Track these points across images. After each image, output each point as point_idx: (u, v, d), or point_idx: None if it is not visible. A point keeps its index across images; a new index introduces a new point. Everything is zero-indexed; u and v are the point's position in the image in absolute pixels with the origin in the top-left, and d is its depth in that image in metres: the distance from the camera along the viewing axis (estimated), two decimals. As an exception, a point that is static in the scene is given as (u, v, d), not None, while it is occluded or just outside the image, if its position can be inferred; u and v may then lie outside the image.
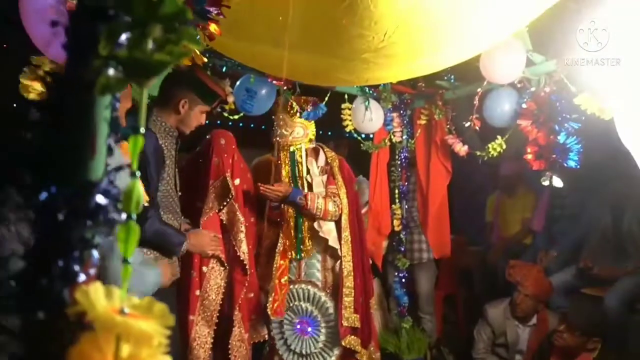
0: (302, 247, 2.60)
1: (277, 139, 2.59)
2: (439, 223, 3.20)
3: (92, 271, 0.41)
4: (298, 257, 2.60)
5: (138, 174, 0.40)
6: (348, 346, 2.57)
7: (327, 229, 2.62)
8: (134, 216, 0.39)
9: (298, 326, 2.64)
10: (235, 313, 2.41)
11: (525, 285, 2.98)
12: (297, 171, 2.60)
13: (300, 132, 2.60)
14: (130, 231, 0.39)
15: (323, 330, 2.62)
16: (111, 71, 0.41)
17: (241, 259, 2.40)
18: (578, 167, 2.34)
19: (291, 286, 2.61)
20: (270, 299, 2.55)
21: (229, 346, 2.37)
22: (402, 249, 3.33)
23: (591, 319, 2.59)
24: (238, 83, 2.72)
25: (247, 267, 2.42)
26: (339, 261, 2.60)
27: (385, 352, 3.23)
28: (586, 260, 3.25)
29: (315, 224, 2.59)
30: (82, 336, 0.39)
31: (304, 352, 2.61)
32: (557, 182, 2.55)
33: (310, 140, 2.64)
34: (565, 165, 2.41)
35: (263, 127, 4.17)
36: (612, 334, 2.65)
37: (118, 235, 0.39)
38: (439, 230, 3.21)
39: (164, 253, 2.08)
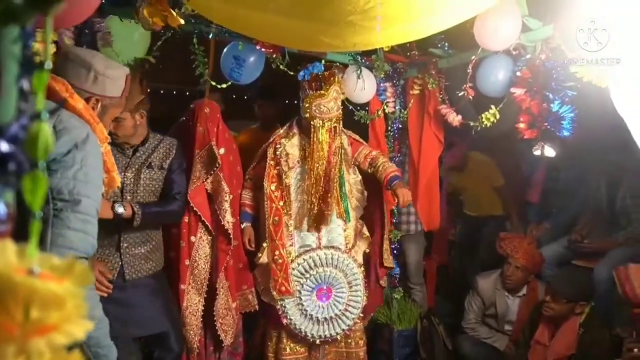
0: (349, 210, 2.60)
1: (317, 116, 2.45)
2: (429, 195, 3.15)
3: (1, 227, 0.37)
4: (348, 221, 2.62)
5: (45, 115, 0.35)
6: (384, 285, 2.95)
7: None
8: (42, 164, 0.35)
9: (318, 293, 2.60)
10: (219, 281, 2.41)
11: (516, 258, 2.97)
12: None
13: (338, 104, 2.54)
14: (36, 181, 0.35)
15: (346, 292, 2.63)
16: (14, -2, 0.35)
17: (225, 228, 2.38)
18: (570, 134, 2.28)
19: (312, 253, 2.57)
20: (276, 278, 2.48)
21: (214, 313, 2.39)
22: (394, 220, 3.30)
23: (575, 286, 2.59)
24: (225, 50, 2.63)
25: (231, 237, 2.40)
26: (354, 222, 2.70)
27: (377, 323, 3.24)
28: (578, 232, 3.24)
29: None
30: (-13, 298, 0.35)
31: (326, 317, 2.60)
32: (549, 152, 2.49)
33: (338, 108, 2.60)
34: (558, 134, 2.36)
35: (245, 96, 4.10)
36: (600, 304, 2.65)
37: (24, 186, 0.35)
38: (429, 202, 3.16)
39: None
